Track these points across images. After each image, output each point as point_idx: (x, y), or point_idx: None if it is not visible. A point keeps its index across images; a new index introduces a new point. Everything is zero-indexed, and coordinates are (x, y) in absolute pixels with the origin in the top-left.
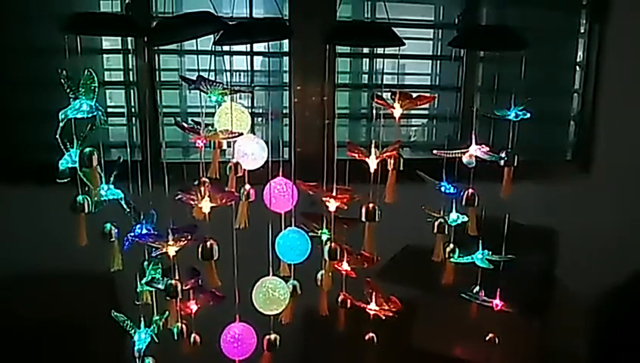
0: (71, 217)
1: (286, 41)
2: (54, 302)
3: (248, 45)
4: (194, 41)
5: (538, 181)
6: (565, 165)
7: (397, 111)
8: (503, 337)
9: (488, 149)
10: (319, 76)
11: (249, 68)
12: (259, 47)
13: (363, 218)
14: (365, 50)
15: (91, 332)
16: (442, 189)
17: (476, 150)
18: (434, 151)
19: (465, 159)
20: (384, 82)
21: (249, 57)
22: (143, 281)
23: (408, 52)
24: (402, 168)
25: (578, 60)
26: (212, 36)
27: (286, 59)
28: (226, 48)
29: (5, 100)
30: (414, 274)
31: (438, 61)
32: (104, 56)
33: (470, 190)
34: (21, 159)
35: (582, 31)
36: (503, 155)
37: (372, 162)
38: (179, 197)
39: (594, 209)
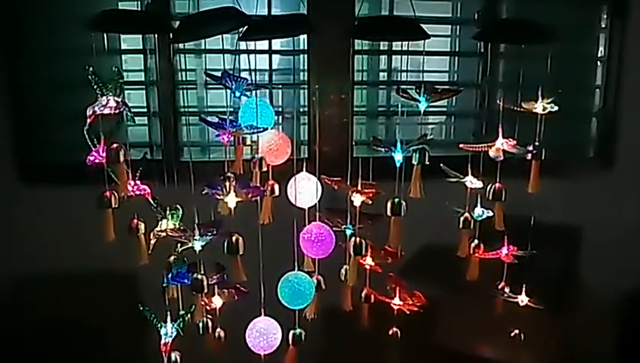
0: (95, 215)
1: (302, 39)
2: (77, 300)
3: (266, 44)
4: (209, 40)
5: (559, 178)
6: (587, 162)
7: (423, 105)
8: (526, 336)
9: (515, 142)
10: (337, 74)
11: (262, 67)
12: (276, 45)
13: (389, 213)
14: (383, 46)
15: (113, 329)
16: None
17: (503, 144)
18: (461, 145)
19: (492, 153)
20: (402, 79)
21: (261, 56)
22: (169, 276)
23: (427, 48)
24: (427, 162)
25: (599, 55)
26: (228, 35)
27: (301, 57)
28: (243, 46)
29: (30, 101)
30: (435, 269)
31: (455, 58)
32: (123, 57)
33: (498, 185)
34: (45, 159)
35: (604, 26)
36: (530, 148)
37: (398, 157)
38: (205, 191)
39: (616, 206)
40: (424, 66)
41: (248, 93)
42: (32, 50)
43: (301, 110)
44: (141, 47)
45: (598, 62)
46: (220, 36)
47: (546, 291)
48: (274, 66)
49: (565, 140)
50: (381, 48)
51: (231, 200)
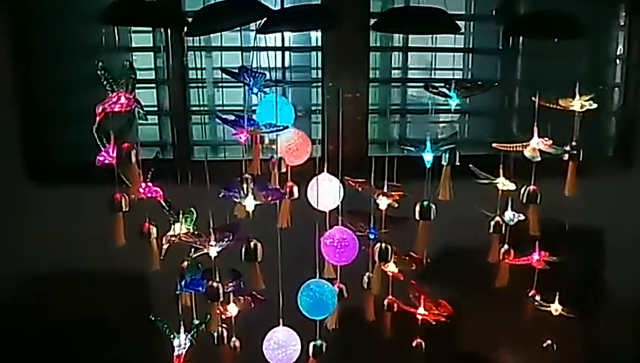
0: (105, 216)
1: (315, 36)
2: (89, 301)
3: (278, 40)
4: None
5: (579, 177)
6: (607, 161)
7: (454, 101)
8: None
9: (551, 142)
10: (353, 71)
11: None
12: (288, 42)
13: (417, 216)
14: (397, 42)
15: (124, 332)
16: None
17: (538, 143)
18: (494, 145)
19: (528, 153)
20: (413, 76)
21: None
22: (182, 283)
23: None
24: (457, 162)
25: (618, 53)
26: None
27: (314, 54)
28: (256, 43)
29: (39, 100)
30: (459, 274)
31: (470, 55)
32: (134, 56)
33: (533, 187)
34: (55, 159)
35: (622, 24)
36: (568, 148)
37: (428, 157)
38: (222, 194)
39: (636, 205)
40: (435, 64)
41: (266, 90)
42: (41, 48)
43: (314, 108)
44: (151, 44)
45: (617, 60)
46: (231, 32)
47: (569, 294)
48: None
49: (584, 139)
50: (396, 44)
51: (250, 204)
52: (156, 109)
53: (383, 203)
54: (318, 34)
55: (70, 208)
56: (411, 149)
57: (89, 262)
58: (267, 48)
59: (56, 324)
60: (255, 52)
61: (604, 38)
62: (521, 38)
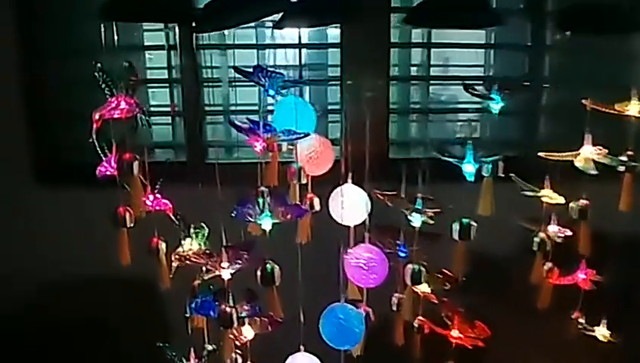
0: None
1: (331, 33)
2: (96, 303)
3: (292, 38)
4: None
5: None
6: None
7: (497, 104)
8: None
9: (606, 151)
10: (372, 69)
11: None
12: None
13: (455, 236)
14: (418, 39)
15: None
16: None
17: (591, 153)
18: (540, 154)
19: (579, 163)
20: (433, 74)
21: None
22: (192, 305)
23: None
24: (501, 174)
25: None
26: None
27: (330, 51)
28: (273, 40)
29: (47, 101)
30: (495, 292)
31: (491, 51)
32: (147, 55)
33: (585, 201)
34: (63, 160)
35: None
36: (624, 159)
37: (469, 168)
38: (235, 213)
39: None
40: (451, 61)
41: (284, 91)
42: (49, 47)
43: (331, 107)
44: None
45: None
46: (245, 28)
47: (615, 316)
48: (294, 63)
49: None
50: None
51: (267, 223)
52: (169, 109)
53: (417, 220)
54: (335, 31)
55: (79, 209)
56: (450, 160)
57: (96, 265)
58: (283, 46)
59: (59, 325)
60: (270, 50)
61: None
62: (551, 32)
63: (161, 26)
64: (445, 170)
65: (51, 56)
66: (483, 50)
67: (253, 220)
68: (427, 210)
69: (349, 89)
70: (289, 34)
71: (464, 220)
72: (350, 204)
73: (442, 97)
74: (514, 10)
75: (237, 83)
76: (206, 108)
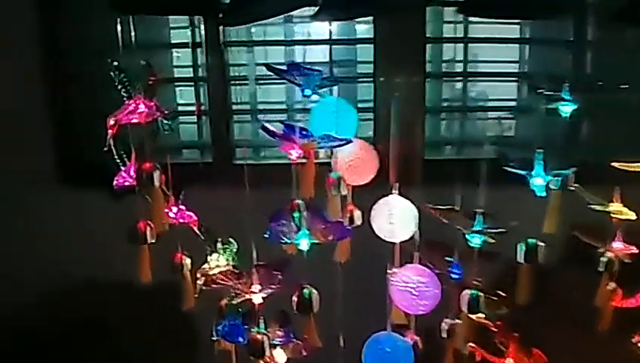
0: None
1: (360, 28)
2: (122, 310)
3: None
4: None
5: None
6: None
7: (569, 107)
8: None
9: None
10: (407, 65)
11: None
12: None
13: (520, 259)
14: (459, 33)
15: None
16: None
17: None
18: (614, 164)
19: None
20: (454, 70)
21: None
22: (219, 327)
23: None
24: (571, 187)
25: None
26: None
27: (360, 47)
28: (301, 36)
29: (74, 99)
30: (551, 314)
31: (526, 47)
32: (174, 53)
33: None
34: (89, 160)
35: None
36: None
37: (539, 182)
38: (268, 235)
39: None
40: (480, 56)
41: (321, 90)
42: (73, 47)
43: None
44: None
45: None
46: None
47: None
48: (321, 59)
49: None
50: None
51: (304, 243)
52: (194, 108)
53: (476, 241)
54: (363, 26)
55: (104, 210)
56: (518, 171)
57: (120, 267)
58: (313, 42)
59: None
60: (299, 47)
61: None
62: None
63: (187, 22)
64: (492, 172)
65: (75, 55)
66: (518, 45)
67: (289, 241)
68: (490, 231)
69: (382, 87)
70: (315, 30)
71: (530, 241)
72: (397, 218)
73: (472, 93)
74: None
75: (264, 81)
76: (233, 107)
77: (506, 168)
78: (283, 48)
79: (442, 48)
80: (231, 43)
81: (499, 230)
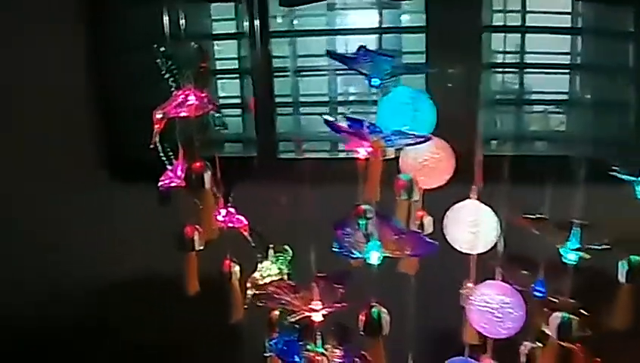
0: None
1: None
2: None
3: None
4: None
5: None
6: None
7: None
8: None
9: None
10: (461, 55)
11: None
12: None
13: (622, 278)
14: (516, 22)
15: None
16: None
17: None
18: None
19: None
20: (503, 61)
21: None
22: (272, 343)
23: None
24: None
25: None
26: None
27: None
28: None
29: (122, 96)
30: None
31: (579, 37)
32: (216, 46)
33: None
34: (138, 157)
35: None
36: None
37: None
38: (337, 249)
39: None
40: (527, 47)
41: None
42: (120, 41)
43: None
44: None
45: None
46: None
47: None
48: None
49: None
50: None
51: (375, 257)
52: (239, 101)
53: (571, 257)
54: (407, 16)
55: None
56: (625, 177)
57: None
58: (360, 31)
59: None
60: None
61: None
62: None
63: (231, 15)
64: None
65: (123, 50)
66: (570, 36)
67: (359, 255)
68: (593, 247)
69: (434, 78)
70: (353, 21)
71: (634, 258)
72: (478, 227)
73: (516, 85)
74: None
75: (305, 73)
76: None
77: (615, 174)
78: (324, 39)
79: (491, 37)
80: (275, 33)
81: (603, 246)
